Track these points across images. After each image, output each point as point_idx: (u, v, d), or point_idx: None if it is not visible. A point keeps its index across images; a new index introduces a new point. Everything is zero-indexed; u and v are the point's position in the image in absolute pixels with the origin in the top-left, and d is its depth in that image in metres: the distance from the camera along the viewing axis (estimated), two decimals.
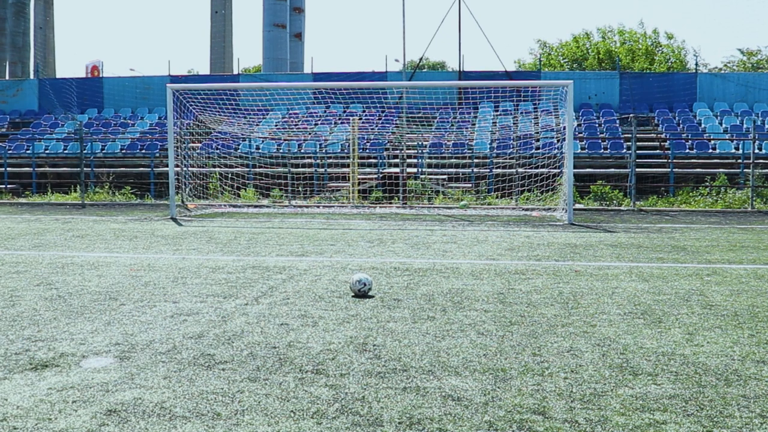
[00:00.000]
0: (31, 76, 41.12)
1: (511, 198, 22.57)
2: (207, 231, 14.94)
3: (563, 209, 18.15)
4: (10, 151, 28.84)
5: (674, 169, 24.20)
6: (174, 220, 17.64)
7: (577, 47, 54.34)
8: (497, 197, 22.76)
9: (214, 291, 8.24)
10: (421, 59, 41.99)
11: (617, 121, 28.79)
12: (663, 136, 27.27)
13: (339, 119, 30.23)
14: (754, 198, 20.84)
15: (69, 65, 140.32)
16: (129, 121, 31.77)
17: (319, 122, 30.09)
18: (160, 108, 31.72)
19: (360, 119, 27.31)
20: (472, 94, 27.24)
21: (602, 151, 26.19)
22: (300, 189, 23.89)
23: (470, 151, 25.76)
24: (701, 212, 19.62)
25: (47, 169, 28.51)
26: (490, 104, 29.02)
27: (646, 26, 68.63)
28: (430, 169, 25.24)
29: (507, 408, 4.50)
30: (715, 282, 8.79)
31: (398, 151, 24.27)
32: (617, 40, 53.65)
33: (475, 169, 24.92)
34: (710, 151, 25.66)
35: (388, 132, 28.20)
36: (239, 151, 26.89)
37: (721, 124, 28.21)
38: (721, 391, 4.80)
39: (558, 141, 24.11)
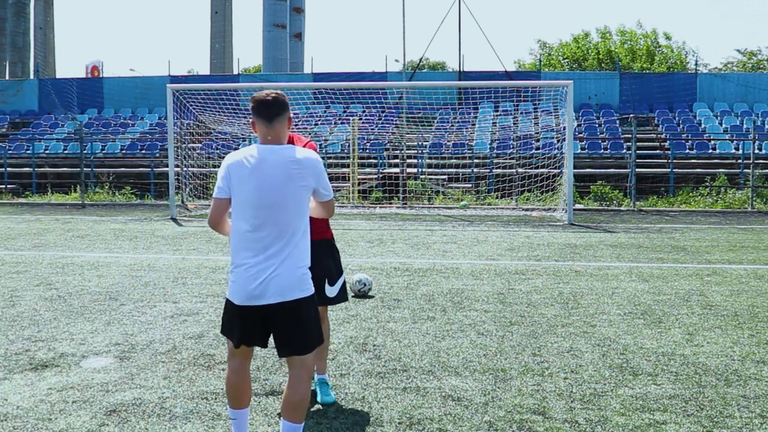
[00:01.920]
0: (31, 76, 41.08)
1: (511, 198, 22.56)
2: (207, 231, 14.94)
3: (563, 209, 18.14)
4: (10, 151, 28.84)
5: (674, 170, 24.19)
6: (174, 220, 17.64)
7: (577, 47, 54.31)
8: (497, 197, 22.75)
9: (214, 291, 8.24)
10: (421, 59, 42.00)
11: (617, 121, 28.77)
12: (663, 136, 27.25)
13: (339, 119, 30.22)
14: (754, 198, 20.83)
15: (69, 65, 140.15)
16: (129, 122, 31.77)
17: (319, 122, 30.08)
18: (160, 108, 31.70)
19: (360, 119, 27.29)
20: (472, 94, 27.22)
21: (602, 151, 26.18)
22: None
23: (470, 151, 25.75)
24: (701, 212, 19.62)
25: (47, 169, 28.50)
26: (490, 104, 29.01)
27: (645, 26, 68.59)
28: (430, 169, 25.23)
29: (507, 408, 4.50)
30: (715, 282, 8.79)
31: (398, 151, 24.26)
32: (617, 41, 53.64)
33: (475, 169, 24.91)
34: (710, 151, 25.65)
35: (388, 132, 28.19)
36: None
37: (721, 124, 28.19)
38: (721, 391, 4.80)
39: (558, 141, 24.09)
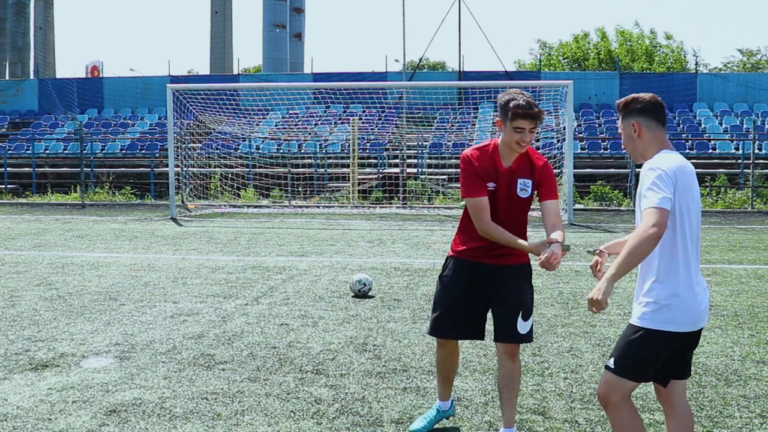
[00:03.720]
0: (31, 76, 41.07)
1: None
2: (207, 231, 14.94)
3: (563, 209, 18.15)
4: (10, 151, 28.83)
5: None
6: (174, 220, 17.64)
7: (577, 47, 54.28)
8: None
9: (214, 291, 8.24)
10: (421, 59, 41.96)
11: (617, 121, 28.77)
12: None
13: (339, 119, 30.22)
14: (754, 198, 20.83)
15: (69, 65, 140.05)
16: (129, 121, 31.76)
17: (319, 122, 30.09)
18: (160, 108, 31.68)
19: (360, 119, 27.29)
20: (472, 94, 27.19)
21: (602, 151, 26.19)
22: (300, 189, 23.87)
23: None
24: (701, 212, 19.61)
25: (47, 169, 28.50)
26: (490, 104, 28.99)
27: (642, 26, 68.63)
28: (430, 169, 25.23)
29: None
30: (715, 282, 8.79)
31: (398, 151, 24.26)
32: (617, 40, 53.63)
33: None
34: (710, 151, 25.65)
35: (388, 132, 28.18)
36: (239, 151, 26.88)
37: (721, 124, 28.19)
38: (721, 391, 4.80)
39: (558, 141, 24.08)
